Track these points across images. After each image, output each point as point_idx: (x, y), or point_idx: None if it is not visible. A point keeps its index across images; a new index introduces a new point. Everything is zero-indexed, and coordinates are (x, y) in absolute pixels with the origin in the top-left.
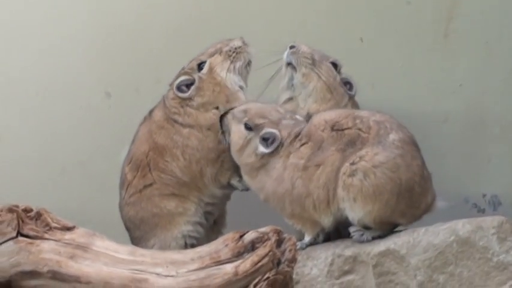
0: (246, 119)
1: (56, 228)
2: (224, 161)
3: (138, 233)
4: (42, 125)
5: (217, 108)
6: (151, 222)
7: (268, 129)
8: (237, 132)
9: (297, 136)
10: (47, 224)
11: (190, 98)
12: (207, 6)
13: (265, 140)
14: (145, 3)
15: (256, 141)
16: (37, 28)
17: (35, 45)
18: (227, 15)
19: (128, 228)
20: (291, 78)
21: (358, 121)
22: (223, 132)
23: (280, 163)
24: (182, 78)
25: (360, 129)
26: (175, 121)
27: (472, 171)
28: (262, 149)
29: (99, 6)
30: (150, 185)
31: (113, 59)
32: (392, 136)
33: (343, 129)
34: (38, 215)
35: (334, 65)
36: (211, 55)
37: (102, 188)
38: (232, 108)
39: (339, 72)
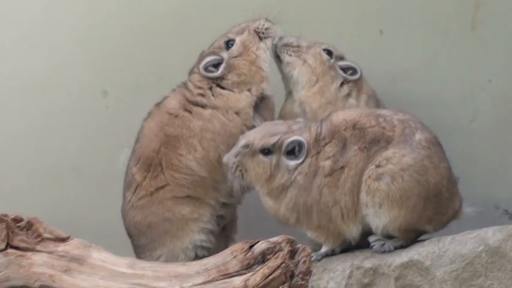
0: (259, 146)
1: (48, 239)
2: None
3: (143, 241)
4: (34, 127)
5: (250, 90)
6: (161, 228)
7: (288, 140)
8: (257, 164)
9: (318, 136)
10: (39, 235)
11: (222, 77)
12: (210, 2)
13: (290, 153)
14: None
15: (283, 159)
16: (29, 24)
17: (26, 41)
18: (232, 9)
19: (131, 235)
20: (281, 71)
21: (381, 119)
22: (236, 177)
23: (312, 167)
24: (209, 58)
25: (384, 128)
26: (197, 104)
27: (502, 174)
28: (292, 162)
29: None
30: (163, 187)
31: (110, 54)
32: (419, 136)
33: (366, 128)
34: (29, 225)
35: (329, 51)
36: (240, 33)
37: (98, 196)
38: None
39: (336, 59)
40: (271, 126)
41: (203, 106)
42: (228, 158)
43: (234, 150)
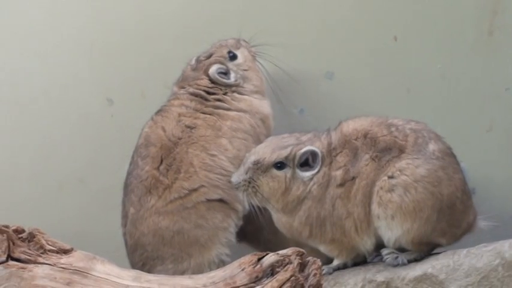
0: (271, 160)
1: (51, 251)
2: None
3: (164, 251)
4: (38, 137)
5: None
6: (191, 235)
7: (301, 151)
8: (271, 179)
9: (329, 146)
10: (41, 247)
11: (236, 85)
12: (215, 8)
13: (303, 165)
14: (150, 3)
15: (297, 171)
16: (33, 30)
17: (30, 47)
18: (238, 16)
19: (141, 245)
20: None
21: (393, 129)
22: (249, 194)
23: (325, 178)
24: (217, 65)
25: (396, 137)
26: (218, 108)
27: None
28: (308, 173)
29: (100, 5)
30: (196, 189)
31: (115, 62)
32: (432, 146)
33: (377, 137)
34: (31, 237)
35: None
36: (236, 48)
37: (103, 207)
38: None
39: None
40: (279, 139)
41: (227, 109)
42: (238, 177)
43: (243, 168)
